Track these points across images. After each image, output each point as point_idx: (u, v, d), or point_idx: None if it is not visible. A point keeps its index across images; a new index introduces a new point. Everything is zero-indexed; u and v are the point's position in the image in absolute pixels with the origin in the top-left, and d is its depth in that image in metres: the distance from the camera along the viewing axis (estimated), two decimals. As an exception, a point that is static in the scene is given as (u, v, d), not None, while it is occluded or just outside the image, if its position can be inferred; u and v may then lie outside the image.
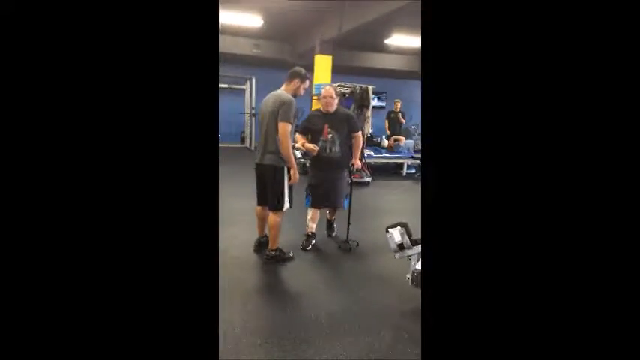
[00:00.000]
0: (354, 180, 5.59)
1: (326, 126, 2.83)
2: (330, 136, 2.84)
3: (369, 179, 5.81)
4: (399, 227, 2.15)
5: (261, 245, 2.87)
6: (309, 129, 2.93)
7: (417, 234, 2.10)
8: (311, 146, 2.83)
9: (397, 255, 2.18)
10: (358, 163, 3.04)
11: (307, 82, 2.57)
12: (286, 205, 2.58)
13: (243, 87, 9.97)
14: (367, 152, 6.27)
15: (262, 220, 2.83)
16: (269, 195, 2.56)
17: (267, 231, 2.76)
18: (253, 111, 9.25)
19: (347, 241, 3.08)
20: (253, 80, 9.48)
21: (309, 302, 2.23)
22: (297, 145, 2.89)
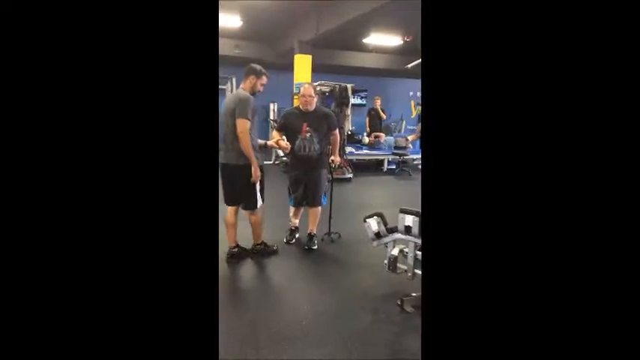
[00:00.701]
0: (336, 177, 5.77)
1: (304, 124, 2.82)
2: (308, 134, 2.83)
3: (350, 175, 5.96)
4: (375, 217, 2.29)
5: (233, 257, 2.69)
6: (287, 127, 2.92)
7: (393, 223, 2.27)
8: (283, 144, 2.83)
9: (375, 243, 2.33)
10: (338, 159, 3.09)
11: (264, 77, 2.54)
12: (259, 201, 2.58)
13: (224, 87, 9.97)
14: (348, 149, 6.42)
15: (232, 227, 2.67)
16: (241, 195, 2.56)
17: (253, 232, 2.75)
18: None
19: (329, 233, 3.20)
20: (234, 80, 9.49)
21: (292, 294, 2.38)
22: (269, 143, 2.87)
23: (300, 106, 2.88)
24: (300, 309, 2.14)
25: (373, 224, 2.29)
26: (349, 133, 6.01)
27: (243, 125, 2.37)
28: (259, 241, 2.78)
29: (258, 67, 2.55)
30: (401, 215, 2.11)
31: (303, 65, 7.47)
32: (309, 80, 7.34)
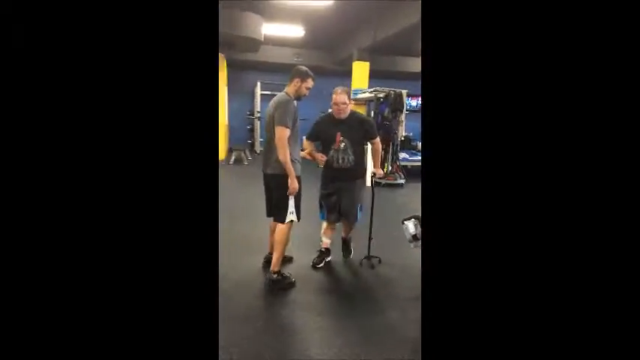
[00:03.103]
0: (387, 182, 5.83)
1: (338, 134, 2.57)
2: (342, 144, 2.58)
3: (402, 181, 5.96)
4: (413, 219, 2.37)
5: (269, 263, 2.51)
6: (319, 136, 2.69)
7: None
8: (318, 156, 2.62)
9: (412, 245, 2.40)
10: (380, 172, 2.82)
11: (310, 80, 2.34)
12: (290, 217, 2.33)
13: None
14: (402, 155, 6.42)
15: (273, 234, 2.53)
16: (273, 205, 2.41)
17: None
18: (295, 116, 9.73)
19: (368, 257, 2.80)
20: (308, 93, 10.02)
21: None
22: (302, 153, 2.60)
23: (334, 114, 2.61)
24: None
25: (411, 226, 2.37)
26: (402, 139, 6.01)
27: (281, 133, 2.19)
28: (275, 269, 2.39)
29: (303, 68, 2.37)
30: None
31: (360, 72, 7.65)
32: (367, 86, 7.49)
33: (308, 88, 2.36)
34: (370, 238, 2.81)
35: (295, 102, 2.32)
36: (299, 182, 2.31)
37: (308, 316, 2.09)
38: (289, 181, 2.25)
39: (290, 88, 2.34)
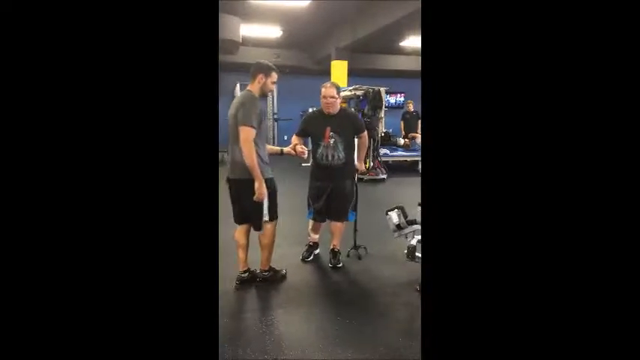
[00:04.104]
0: (369, 177, 5.95)
1: (327, 129, 2.47)
2: (332, 140, 2.48)
3: (384, 176, 6.10)
4: (396, 210, 2.46)
5: (242, 284, 2.29)
6: (308, 132, 2.61)
7: (413, 216, 2.42)
8: (299, 148, 2.50)
9: (395, 234, 2.49)
10: (362, 167, 2.72)
11: (274, 74, 2.17)
12: (266, 217, 2.19)
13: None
14: (383, 151, 6.55)
15: (242, 249, 2.30)
16: (250, 213, 2.19)
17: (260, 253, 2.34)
18: (275, 116, 9.77)
19: (355, 246, 2.83)
20: (275, 87, 10.03)
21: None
22: (285, 150, 2.56)
23: (323, 109, 2.53)
24: None
25: (394, 216, 2.46)
26: (382, 135, 6.16)
27: (246, 134, 2.01)
28: (266, 267, 2.35)
29: (265, 62, 2.20)
30: (419, 208, 2.27)
31: (339, 70, 7.75)
32: (346, 85, 7.59)
33: (274, 83, 2.20)
34: (355, 230, 2.87)
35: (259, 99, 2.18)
36: (273, 183, 2.18)
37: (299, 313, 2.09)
38: (256, 185, 2.06)
39: (254, 86, 2.16)
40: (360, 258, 2.81)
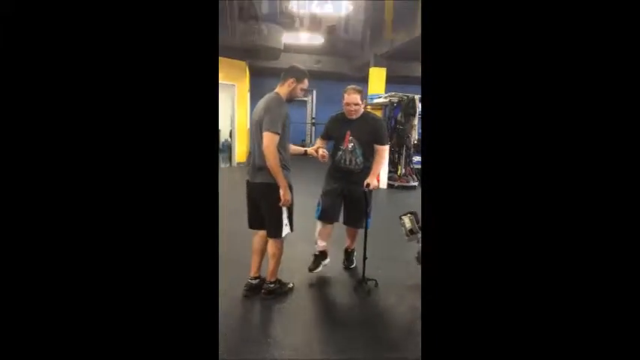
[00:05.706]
0: (399, 184, 5.97)
1: (348, 133, 2.44)
2: (350, 145, 2.44)
3: (415, 184, 6.09)
4: (409, 215, 2.55)
5: (252, 290, 2.27)
6: (329, 135, 2.59)
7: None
8: (321, 152, 2.42)
9: (407, 239, 2.58)
10: (375, 183, 2.43)
11: (306, 81, 2.12)
12: (285, 229, 2.14)
13: (306, 99, 10.92)
14: (416, 158, 6.55)
15: (257, 254, 2.28)
16: (265, 219, 2.15)
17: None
18: (314, 120, 10.06)
19: (363, 279, 2.46)
20: (314, 93, 10.36)
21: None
22: (309, 150, 2.51)
23: (345, 114, 2.47)
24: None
25: (407, 222, 2.55)
26: (415, 142, 6.16)
27: (270, 139, 1.96)
28: (273, 279, 2.27)
29: (301, 67, 2.15)
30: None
31: (377, 77, 7.86)
32: (383, 91, 7.67)
33: (303, 90, 2.16)
34: (365, 258, 2.46)
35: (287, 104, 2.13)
36: (290, 191, 2.10)
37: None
38: (281, 191, 2.03)
39: (282, 89, 2.10)
40: (369, 294, 2.41)
